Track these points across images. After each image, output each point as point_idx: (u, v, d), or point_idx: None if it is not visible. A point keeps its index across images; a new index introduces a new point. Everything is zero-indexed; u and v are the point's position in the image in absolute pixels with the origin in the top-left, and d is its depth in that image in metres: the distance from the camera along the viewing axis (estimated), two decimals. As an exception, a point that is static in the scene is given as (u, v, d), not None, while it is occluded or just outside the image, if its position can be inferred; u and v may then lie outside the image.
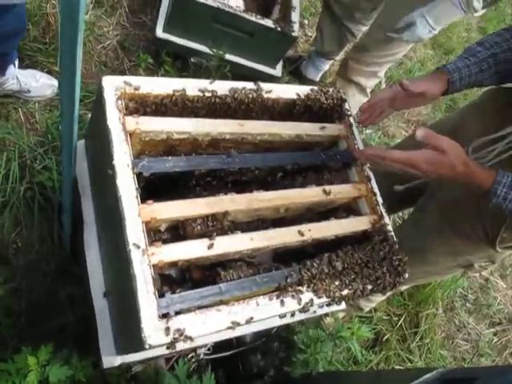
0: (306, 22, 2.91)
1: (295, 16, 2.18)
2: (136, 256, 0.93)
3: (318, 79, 2.67)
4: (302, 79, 2.65)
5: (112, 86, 1.05)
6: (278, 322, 1.28)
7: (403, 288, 2.20)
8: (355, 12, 2.28)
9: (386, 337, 2.23)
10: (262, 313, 1.03)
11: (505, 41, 1.34)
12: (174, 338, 0.92)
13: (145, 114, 1.11)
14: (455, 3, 1.72)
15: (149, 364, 1.51)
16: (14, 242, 1.73)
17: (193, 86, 1.14)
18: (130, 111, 1.09)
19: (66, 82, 0.86)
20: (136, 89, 1.08)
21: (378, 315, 2.26)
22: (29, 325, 1.62)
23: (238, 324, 0.99)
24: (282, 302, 1.05)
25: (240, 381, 1.75)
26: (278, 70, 2.41)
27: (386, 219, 1.32)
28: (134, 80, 1.08)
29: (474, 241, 1.45)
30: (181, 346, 0.96)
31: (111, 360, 1.20)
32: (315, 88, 1.34)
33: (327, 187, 1.25)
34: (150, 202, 1.00)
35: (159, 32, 2.16)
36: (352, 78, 2.37)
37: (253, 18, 2.05)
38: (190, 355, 1.65)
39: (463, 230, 1.46)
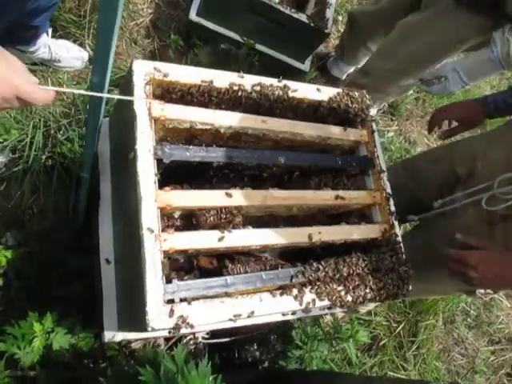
0: (340, 18, 2.88)
1: (330, 13, 2.16)
2: (148, 240, 0.95)
3: (343, 78, 2.65)
4: (329, 76, 2.64)
5: (142, 70, 1.07)
6: (279, 318, 1.30)
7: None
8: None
9: (383, 342, 2.25)
10: (264, 309, 1.05)
11: None
12: (177, 324, 0.94)
13: (170, 100, 1.12)
14: (493, 58, 1.58)
15: (148, 342, 1.55)
16: (30, 208, 1.77)
17: (221, 78, 1.15)
18: (155, 96, 1.10)
19: (100, 55, 0.87)
20: (165, 75, 1.09)
21: (378, 320, 2.28)
22: (37, 289, 1.66)
23: (240, 317, 1.01)
24: (285, 301, 1.07)
25: (234, 368, 1.78)
26: (306, 65, 2.40)
27: (397, 229, 1.32)
28: (164, 66, 1.10)
29: None
30: (182, 331, 0.99)
31: (113, 335, 1.23)
32: (342, 91, 1.34)
33: (342, 192, 1.26)
34: (167, 188, 1.02)
35: (193, 15, 2.17)
36: None
37: (287, 10, 2.04)
38: (188, 337, 1.68)
39: None
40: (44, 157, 1.73)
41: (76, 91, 1.06)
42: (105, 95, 0.97)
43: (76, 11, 2.00)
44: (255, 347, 1.83)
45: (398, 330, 2.30)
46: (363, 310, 2.08)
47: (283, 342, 1.82)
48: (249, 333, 1.77)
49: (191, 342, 1.76)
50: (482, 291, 1.48)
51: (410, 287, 1.27)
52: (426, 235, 1.58)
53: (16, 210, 1.74)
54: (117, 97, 1.05)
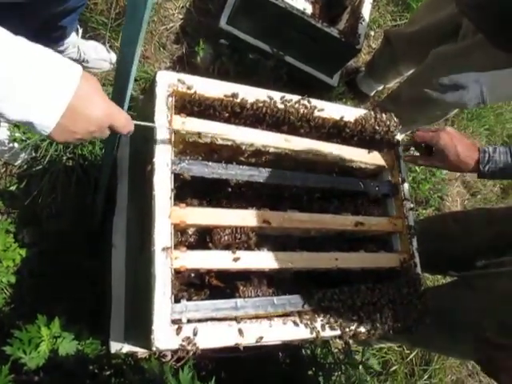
0: (372, 33, 2.83)
1: (362, 28, 2.12)
2: (159, 257, 0.93)
3: (371, 94, 2.60)
4: (357, 92, 2.59)
5: (165, 82, 1.05)
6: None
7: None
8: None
9: (394, 368, 2.18)
10: (274, 335, 1.01)
11: None
12: (182, 345, 0.92)
13: (192, 112, 1.10)
14: None
15: (154, 352, 1.53)
16: (49, 207, 1.77)
17: (245, 93, 1.13)
18: (177, 107, 1.08)
19: (125, 58, 0.86)
20: (189, 88, 1.07)
21: (390, 344, 2.21)
22: (48, 289, 1.66)
23: (247, 342, 0.98)
24: (295, 328, 1.04)
25: (240, 385, 1.75)
26: (334, 80, 2.36)
27: (417, 259, 1.27)
28: (188, 79, 1.08)
29: None
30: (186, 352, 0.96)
31: (119, 346, 1.22)
32: (369, 113, 1.30)
33: (362, 218, 1.22)
34: (183, 205, 1.00)
35: (223, 23, 2.15)
36: None
37: (318, 24, 2.01)
38: (195, 349, 1.65)
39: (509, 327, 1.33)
40: (65, 158, 1.74)
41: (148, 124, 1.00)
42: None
43: (107, 13, 2.00)
44: (262, 365, 1.79)
45: (410, 357, 2.23)
46: (376, 345, 2.02)
47: (291, 362, 1.78)
48: (257, 349, 1.74)
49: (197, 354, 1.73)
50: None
51: (428, 321, 1.22)
52: (464, 295, 1.49)
53: (34, 208, 1.74)
54: (142, 123, 1.01)
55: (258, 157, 1.20)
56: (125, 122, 0.84)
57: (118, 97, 0.96)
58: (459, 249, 1.59)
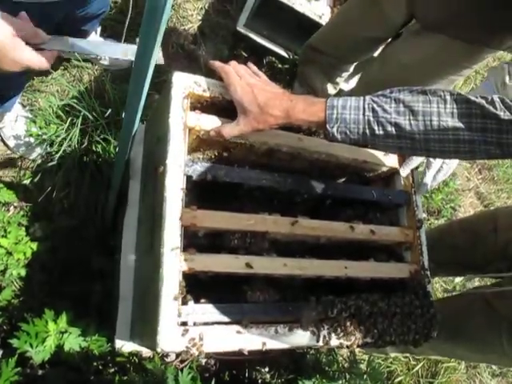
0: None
1: (380, 35, 2.10)
2: (168, 259, 0.93)
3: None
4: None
5: (181, 83, 1.05)
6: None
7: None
8: None
9: (399, 379, 2.16)
10: (279, 342, 1.01)
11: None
12: (187, 347, 0.92)
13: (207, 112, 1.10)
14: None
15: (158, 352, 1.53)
16: (61, 203, 1.79)
17: (261, 98, 1.12)
18: (192, 106, 1.08)
19: (141, 57, 0.85)
20: (204, 90, 1.08)
21: (396, 354, 2.19)
22: (58, 284, 1.67)
23: (252, 348, 0.98)
24: (301, 336, 1.03)
25: (243, 388, 1.74)
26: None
27: (427, 271, 1.26)
28: (204, 82, 1.08)
29: None
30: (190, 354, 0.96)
31: (124, 344, 1.22)
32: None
33: (373, 227, 1.21)
34: (194, 207, 1.00)
35: (240, 26, 2.16)
36: None
37: (336, 30, 2.00)
38: (200, 351, 1.65)
39: None
40: (79, 154, 1.75)
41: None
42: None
43: (127, 12, 2.01)
44: (267, 369, 1.79)
45: (416, 369, 2.20)
46: (381, 354, 2.01)
47: (295, 368, 1.77)
48: (262, 353, 1.74)
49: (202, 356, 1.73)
50: None
51: (435, 334, 1.21)
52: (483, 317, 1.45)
53: (47, 203, 1.76)
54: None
55: (272, 156, 1.19)
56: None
57: (134, 96, 0.97)
58: (470, 257, 1.57)
